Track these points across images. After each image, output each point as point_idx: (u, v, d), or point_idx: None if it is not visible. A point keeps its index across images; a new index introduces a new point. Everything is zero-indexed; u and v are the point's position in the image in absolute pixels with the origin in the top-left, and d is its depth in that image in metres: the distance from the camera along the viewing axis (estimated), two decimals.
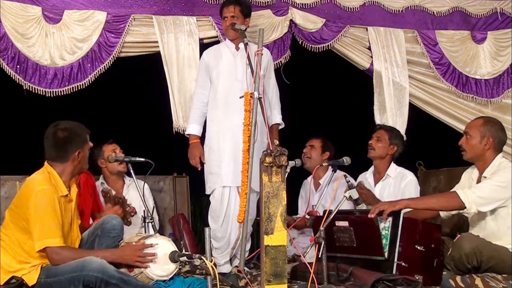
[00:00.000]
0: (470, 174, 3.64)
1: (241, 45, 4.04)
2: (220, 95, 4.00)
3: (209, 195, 4.03)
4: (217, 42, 4.41)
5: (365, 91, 4.96)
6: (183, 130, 4.28)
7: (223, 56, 4.05)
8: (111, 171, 4.27)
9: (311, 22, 4.68)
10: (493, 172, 3.43)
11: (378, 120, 4.81)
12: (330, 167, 4.30)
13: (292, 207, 4.66)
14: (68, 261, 2.94)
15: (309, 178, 4.53)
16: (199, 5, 4.41)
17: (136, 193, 4.13)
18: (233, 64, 4.02)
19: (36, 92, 4.09)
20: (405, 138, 4.68)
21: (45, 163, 3.14)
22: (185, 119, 4.32)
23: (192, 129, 4.05)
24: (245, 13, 4.04)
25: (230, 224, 3.93)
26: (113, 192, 4.04)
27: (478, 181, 3.51)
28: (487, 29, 5.08)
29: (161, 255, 3.05)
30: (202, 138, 4.09)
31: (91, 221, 3.60)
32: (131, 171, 3.95)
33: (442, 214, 3.69)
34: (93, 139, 3.28)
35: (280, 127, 4.20)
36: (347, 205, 3.85)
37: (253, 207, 3.87)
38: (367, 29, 4.84)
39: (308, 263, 3.14)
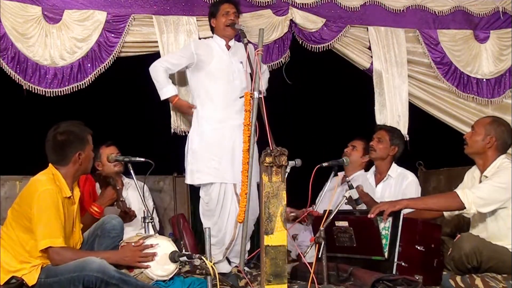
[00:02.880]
0: (472, 173, 3.64)
1: (231, 43, 4.10)
2: (217, 93, 4.02)
3: (201, 192, 4.04)
4: None
5: (365, 91, 4.95)
6: (182, 131, 4.29)
7: (214, 53, 4.08)
8: (107, 172, 4.24)
9: (311, 22, 4.67)
10: (494, 172, 3.43)
11: (378, 120, 4.80)
12: None
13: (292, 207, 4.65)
14: (69, 262, 2.94)
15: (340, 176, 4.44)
16: (199, 5, 4.40)
17: (136, 193, 4.12)
18: (227, 62, 4.06)
19: (36, 92, 4.08)
20: (407, 138, 4.68)
21: (50, 164, 3.15)
22: (185, 120, 4.33)
23: (171, 90, 4.07)
24: (239, 12, 4.15)
25: (225, 223, 3.95)
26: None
27: (480, 181, 3.51)
28: (489, 28, 5.06)
29: (161, 255, 3.06)
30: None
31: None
32: (131, 171, 3.95)
33: (446, 214, 3.68)
34: (93, 139, 3.27)
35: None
36: (345, 206, 3.84)
37: (254, 206, 3.87)
38: (367, 29, 4.83)
39: (308, 263, 3.14)
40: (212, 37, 4.23)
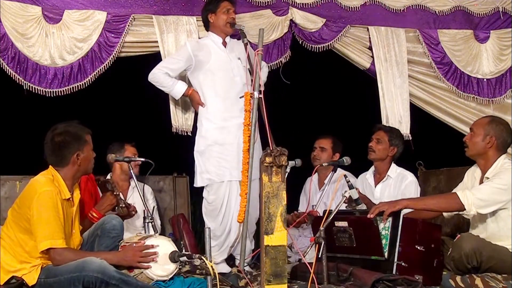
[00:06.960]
0: (473, 172, 3.63)
1: (227, 40, 4.09)
2: (218, 91, 4.01)
3: (204, 192, 4.03)
4: None
5: (365, 91, 4.95)
6: (182, 130, 4.30)
7: (212, 51, 4.05)
8: (124, 170, 4.25)
9: (311, 22, 4.67)
10: (495, 173, 3.42)
11: (383, 120, 4.78)
12: None
13: (292, 207, 4.66)
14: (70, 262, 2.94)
15: (314, 176, 4.49)
16: (199, 5, 4.40)
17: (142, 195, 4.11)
18: (225, 59, 4.04)
19: (36, 92, 4.09)
20: (410, 138, 4.68)
21: (50, 166, 3.14)
22: (185, 119, 4.33)
23: (181, 86, 4.02)
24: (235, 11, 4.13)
25: (230, 222, 3.94)
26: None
27: (481, 181, 3.50)
28: (489, 28, 5.06)
29: (161, 255, 3.06)
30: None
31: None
32: (131, 171, 3.95)
33: (445, 214, 3.68)
34: (93, 140, 3.27)
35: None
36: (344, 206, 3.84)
37: (256, 206, 3.86)
38: (368, 28, 4.83)
39: (308, 263, 3.14)
40: (205, 36, 4.21)
